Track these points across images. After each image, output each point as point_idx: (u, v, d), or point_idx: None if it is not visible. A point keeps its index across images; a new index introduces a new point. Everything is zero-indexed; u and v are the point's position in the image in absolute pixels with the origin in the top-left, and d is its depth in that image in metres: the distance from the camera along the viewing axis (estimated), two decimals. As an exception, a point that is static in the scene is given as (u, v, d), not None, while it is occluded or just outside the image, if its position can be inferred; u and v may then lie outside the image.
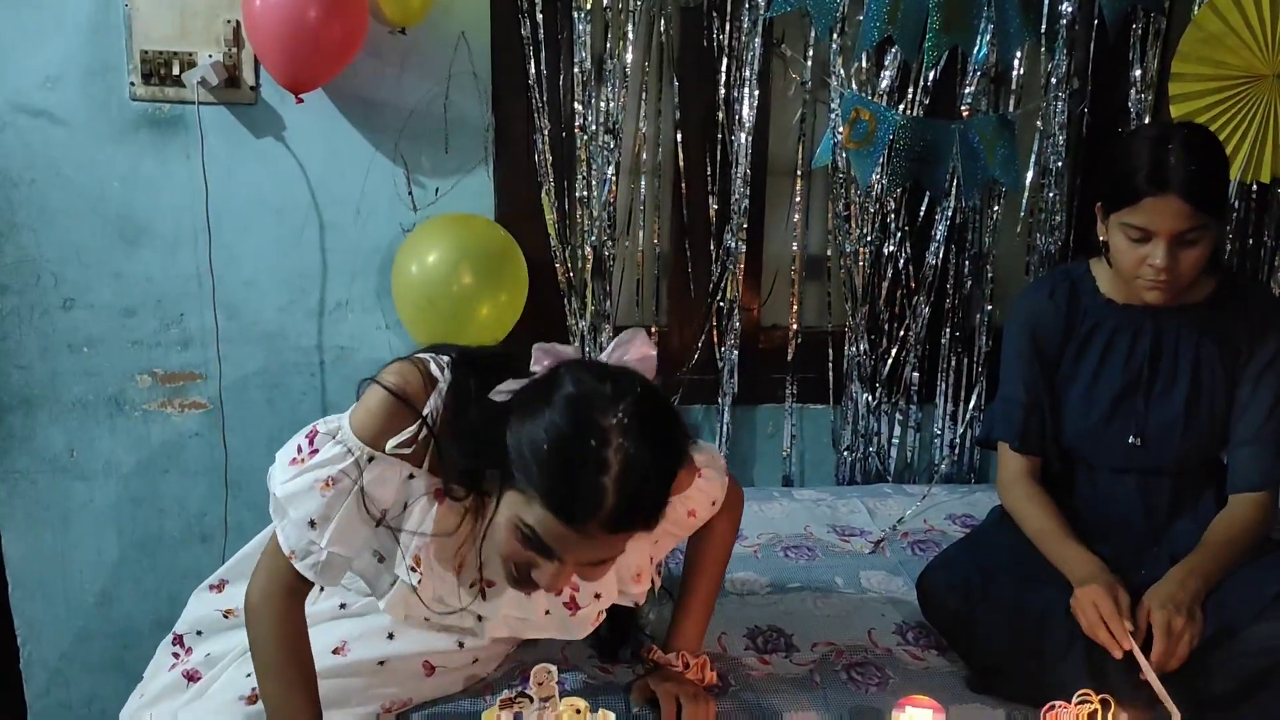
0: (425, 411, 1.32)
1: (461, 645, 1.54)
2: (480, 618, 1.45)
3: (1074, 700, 1.40)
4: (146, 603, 2.35)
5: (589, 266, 2.29)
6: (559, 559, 1.25)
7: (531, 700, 1.31)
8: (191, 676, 1.58)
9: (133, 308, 2.21)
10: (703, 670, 1.57)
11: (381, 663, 1.50)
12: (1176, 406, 1.76)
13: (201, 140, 2.12)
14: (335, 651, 1.50)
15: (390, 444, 1.31)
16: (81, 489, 2.28)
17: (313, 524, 1.32)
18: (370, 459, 1.32)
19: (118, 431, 2.27)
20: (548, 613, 1.47)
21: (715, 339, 2.41)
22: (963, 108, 2.30)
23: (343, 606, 1.57)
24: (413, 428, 1.31)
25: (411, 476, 1.34)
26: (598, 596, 1.48)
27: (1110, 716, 1.39)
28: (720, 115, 2.29)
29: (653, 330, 2.39)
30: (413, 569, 1.35)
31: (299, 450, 1.35)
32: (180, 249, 2.19)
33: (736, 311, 2.38)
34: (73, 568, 2.32)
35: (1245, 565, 1.68)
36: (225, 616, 1.63)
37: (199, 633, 1.64)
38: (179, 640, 1.64)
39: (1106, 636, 1.55)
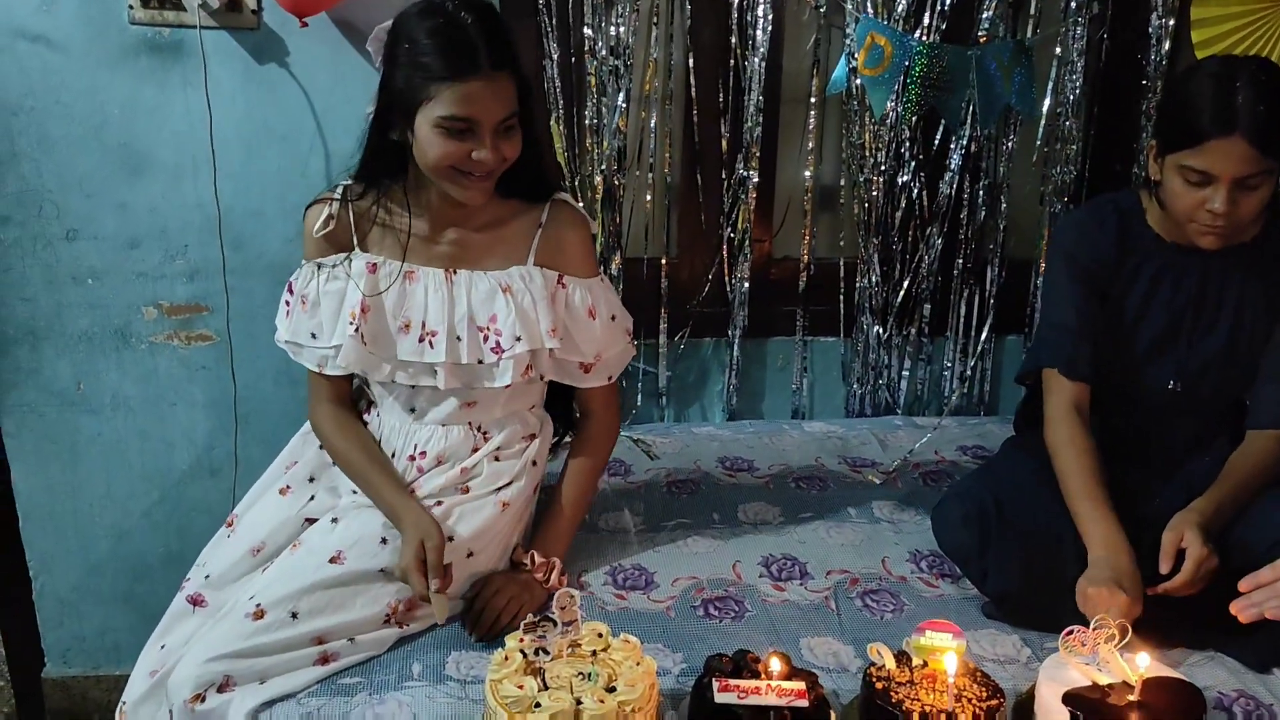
0: (335, 196, 1.66)
1: (451, 538, 1.59)
2: (435, 372, 1.65)
3: (1092, 626, 1.42)
4: (157, 535, 2.36)
5: (599, 196, 2.25)
6: (479, 127, 1.50)
7: (555, 624, 1.32)
8: (196, 601, 1.60)
9: (137, 239, 2.18)
10: (548, 571, 1.67)
11: (381, 570, 1.55)
12: (1216, 350, 1.73)
13: (204, 66, 2.07)
14: (332, 560, 1.54)
15: (316, 228, 1.64)
16: (90, 422, 2.27)
17: (314, 335, 1.68)
18: (318, 266, 1.66)
19: (125, 364, 2.25)
20: (480, 361, 1.65)
21: (726, 271, 2.39)
22: (980, 33, 2.25)
23: (334, 521, 1.63)
24: (327, 208, 1.64)
25: (349, 259, 1.65)
26: (518, 339, 1.64)
27: (1127, 641, 1.40)
28: (733, 41, 2.24)
29: (664, 262, 2.37)
30: (350, 322, 1.63)
31: (285, 302, 1.71)
32: (183, 179, 2.15)
33: (748, 243, 2.36)
34: (82, 501, 2.32)
35: (1260, 498, 1.68)
36: (229, 532, 1.70)
37: (204, 564, 1.68)
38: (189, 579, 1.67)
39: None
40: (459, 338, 1.64)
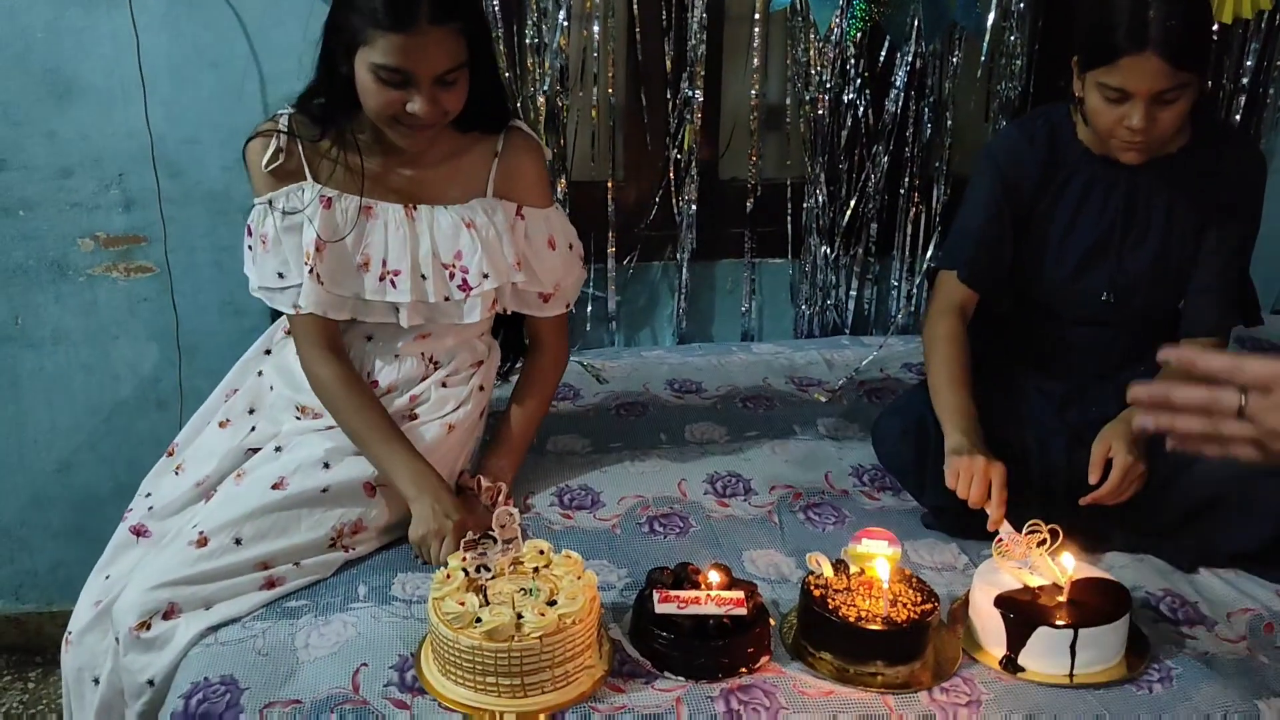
0: (279, 128, 1.57)
1: None
2: (396, 310, 1.62)
3: (1024, 530, 1.46)
4: (105, 469, 2.34)
5: (542, 118, 2.22)
6: (415, 79, 1.44)
7: (495, 542, 1.33)
8: (139, 531, 1.60)
9: (69, 168, 2.12)
10: (494, 497, 1.65)
11: (324, 490, 1.54)
12: (1147, 262, 1.75)
13: (128, -14, 2.01)
14: (275, 487, 1.53)
15: (263, 161, 1.57)
16: (30, 356, 2.24)
17: (281, 275, 1.60)
18: (270, 202, 1.59)
19: (63, 297, 2.21)
20: (447, 299, 1.62)
21: (674, 193, 2.37)
22: (925, -54, 2.22)
23: (278, 450, 1.61)
24: (274, 140, 1.56)
25: (302, 192, 1.58)
26: (486, 276, 1.62)
27: (1058, 545, 1.44)
28: (675, -46, 2.21)
29: (610, 184, 2.35)
30: (305, 262, 1.57)
31: (249, 248, 1.64)
32: (114, 105, 2.09)
33: (694, 164, 2.34)
34: (27, 436, 2.30)
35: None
36: (171, 463, 1.70)
37: (148, 495, 1.67)
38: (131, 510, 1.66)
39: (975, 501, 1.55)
40: (424, 276, 1.61)
